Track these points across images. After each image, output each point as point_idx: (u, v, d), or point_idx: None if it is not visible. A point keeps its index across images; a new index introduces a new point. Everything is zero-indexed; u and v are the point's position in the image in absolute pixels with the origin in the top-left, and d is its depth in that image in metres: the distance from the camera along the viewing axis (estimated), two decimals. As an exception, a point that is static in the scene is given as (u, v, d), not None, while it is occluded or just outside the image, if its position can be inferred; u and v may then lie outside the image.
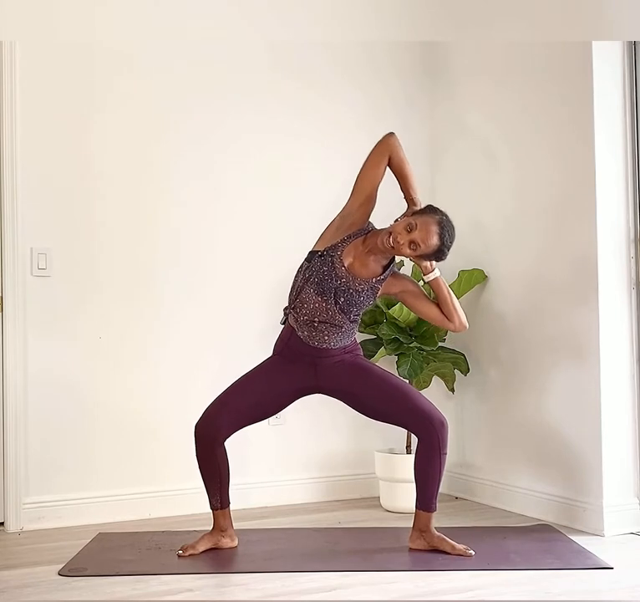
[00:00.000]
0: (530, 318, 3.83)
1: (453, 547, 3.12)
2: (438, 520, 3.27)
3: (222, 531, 3.22)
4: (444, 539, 3.15)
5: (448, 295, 3.14)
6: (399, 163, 3.11)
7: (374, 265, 3.11)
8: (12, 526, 3.60)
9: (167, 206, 3.93)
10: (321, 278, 3.05)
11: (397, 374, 3.63)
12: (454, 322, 3.15)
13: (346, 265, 3.06)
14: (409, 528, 3.23)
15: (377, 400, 3.19)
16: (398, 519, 3.71)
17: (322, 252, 3.07)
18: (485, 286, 4.09)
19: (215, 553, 3.17)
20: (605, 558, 3.07)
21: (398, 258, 4.17)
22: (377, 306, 3.96)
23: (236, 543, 3.25)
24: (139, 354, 3.86)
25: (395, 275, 3.19)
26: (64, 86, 3.76)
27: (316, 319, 3.08)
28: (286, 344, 3.19)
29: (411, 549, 3.18)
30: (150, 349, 3.88)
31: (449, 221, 3.06)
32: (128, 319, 3.85)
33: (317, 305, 3.06)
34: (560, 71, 3.65)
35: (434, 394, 4.00)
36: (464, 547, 3.13)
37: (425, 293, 3.21)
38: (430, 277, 3.14)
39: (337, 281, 3.05)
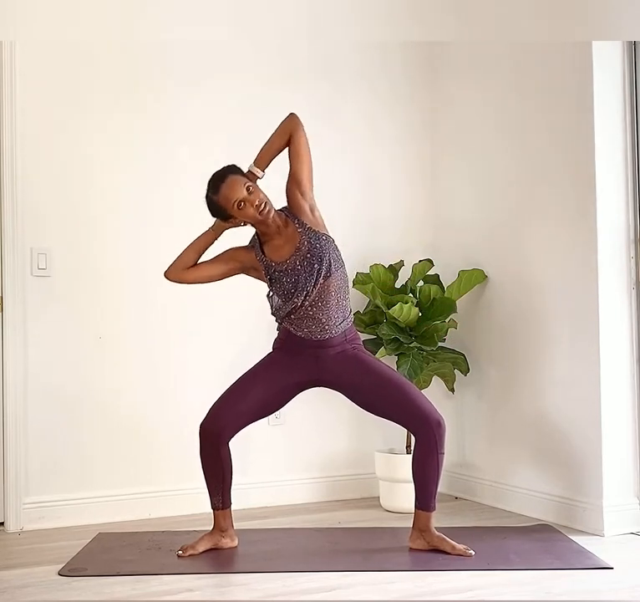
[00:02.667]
0: (529, 319, 3.82)
1: (453, 547, 3.12)
2: (438, 520, 3.27)
3: (222, 531, 3.22)
4: (444, 539, 3.15)
5: (266, 144, 3.18)
6: (188, 262, 3.20)
7: (289, 229, 3.14)
8: (12, 526, 3.60)
9: (168, 205, 3.93)
10: (291, 284, 3.09)
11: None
12: (291, 129, 3.15)
13: (286, 257, 3.11)
14: (409, 527, 3.23)
15: (375, 397, 3.19)
16: (398, 519, 3.71)
17: (269, 278, 3.14)
18: (485, 286, 4.09)
19: (216, 553, 3.17)
20: (605, 558, 3.06)
21: (398, 258, 4.20)
22: (377, 306, 3.96)
23: (236, 543, 3.25)
24: (140, 354, 3.87)
25: (290, 205, 3.19)
26: (64, 86, 3.76)
27: (309, 307, 3.10)
28: (285, 342, 3.21)
29: (411, 549, 3.18)
30: (151, 349, 3.88)
31: (211, 176, 3.13)
32: (128, 320, 3.85)
33: (305, 300, 3.08)
34: (560, 71, 3.65)
35: (434, 394, 4.00)
36: (464, 547, 3.12)
37: (290, 171, 3.20)
38: (257, 172, 3.17)
39: (298, 269, 3.09)
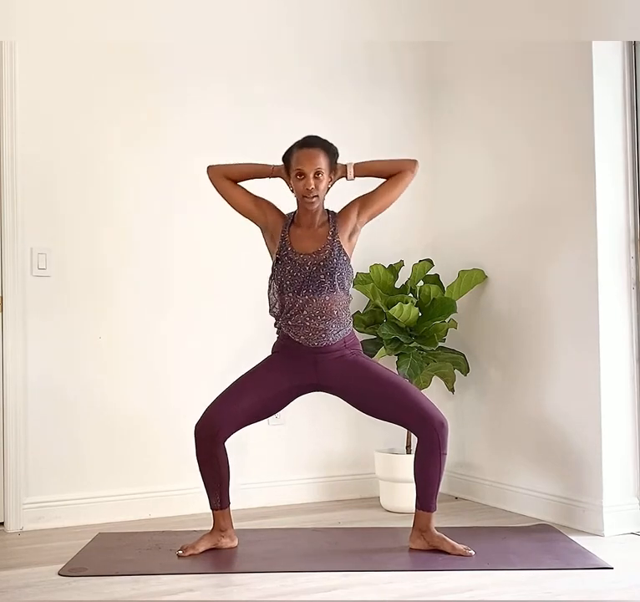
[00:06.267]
0: (529, 319, 3.83)
1: (453, 547, 3.12)
2: (438, 520, 3.27)
3: (222, 531, 3.22)
4: (444, 539, 3.15)
5: (377, 162, 3.15)
6: (233, 173, 3.20)
7: (321, 230, 3.14)
8: (12, 526, 3.59)
9: (168, 205, 3.93)
10: (291, 277, 3.09)
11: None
12: (404, 168, 3.14)
13: (302, 251, 3.10)
14: (409, 527, 3.23)
15: (377, 399, 3.19)
16: (398, 519, 3.71)
17: (277, 258, 3.12)
18: (485, 286, 4.09)
19: (215, 553, 3.17)
20: (605, 558, 3.06)
21: (398, 258, 4.20)
22: (377, 306, 3.96)
23: (235, 543, 3.25)
24: (140, 353, 3.87)
25: (341, 215, 3.18)
26: (64, 86, 3.76)
27: (308, 318, 3.09)
28: (285, 346, 3.21)
29: (411, 549, 3.18)
30: (151, 349, 3.88)
31: (308, 136, 3.08)
32: (128, 319, 3.85)
33: (303, 302, 3.08)
34: (560, 71, 3.65)
35: (434, 394, 4.00)
36: (464, 547, 3.12)
37: (370, 192, 3.18)
38: (350, 173, 3.15)
39: (306, 269, 3.08)
